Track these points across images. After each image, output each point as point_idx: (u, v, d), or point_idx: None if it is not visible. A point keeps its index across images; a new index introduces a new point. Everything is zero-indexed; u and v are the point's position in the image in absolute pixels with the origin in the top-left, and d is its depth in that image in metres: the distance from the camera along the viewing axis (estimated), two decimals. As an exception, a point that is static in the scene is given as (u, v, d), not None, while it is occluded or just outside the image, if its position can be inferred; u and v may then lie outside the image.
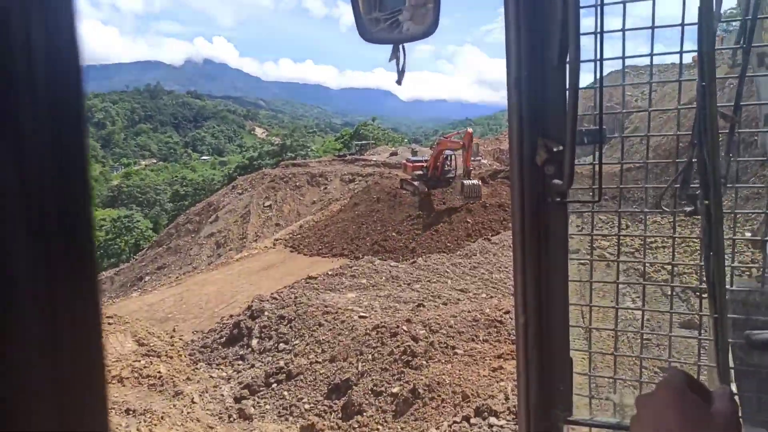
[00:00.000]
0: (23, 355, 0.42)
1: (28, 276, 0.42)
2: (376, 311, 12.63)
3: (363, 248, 27.23)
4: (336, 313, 12.41)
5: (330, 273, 16.14)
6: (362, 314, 12.10)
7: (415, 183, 30.01)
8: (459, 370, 9.20)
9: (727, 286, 1.51)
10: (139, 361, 11.87)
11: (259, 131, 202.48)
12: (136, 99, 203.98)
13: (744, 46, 1.45)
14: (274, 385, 10.70)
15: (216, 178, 75.89)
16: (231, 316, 14.03)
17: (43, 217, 0.42)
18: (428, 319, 11.29)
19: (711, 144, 1.33)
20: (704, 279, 1.47)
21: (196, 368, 12.42)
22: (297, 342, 11.92)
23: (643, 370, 1.79)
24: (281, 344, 12.07)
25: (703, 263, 1.45)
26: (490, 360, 9.47)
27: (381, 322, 11.25)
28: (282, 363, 11.17)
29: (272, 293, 14.32)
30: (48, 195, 0.43)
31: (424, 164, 31.32)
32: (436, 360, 9.61)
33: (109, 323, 13.61)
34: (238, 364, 12.14)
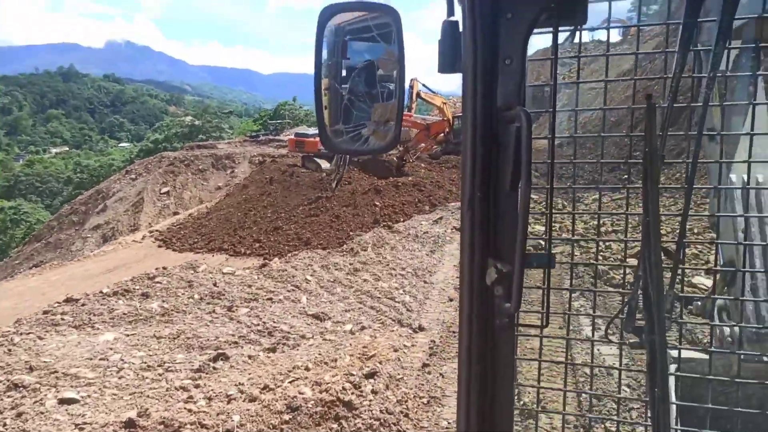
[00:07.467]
0: None
1: None
2: (124, 378, 6.34)
3: (247, 241, 21.98)
4: (34, 388, 6.06)
5: (106, 291, 9.55)
6: (75, 396, 5.79)
7: (318, 160, 25.59)
8: None
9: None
10: None
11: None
12: (46, 82, 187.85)
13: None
14: None
15: (116, 164, 67.47)
16: None
17: None
18: (201, 407, 5.14)
19: (655, 279, 1.37)
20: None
21: None
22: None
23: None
24: None
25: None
26: None
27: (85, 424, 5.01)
28: None
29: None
30: None
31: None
32: None
33: None
34: None
